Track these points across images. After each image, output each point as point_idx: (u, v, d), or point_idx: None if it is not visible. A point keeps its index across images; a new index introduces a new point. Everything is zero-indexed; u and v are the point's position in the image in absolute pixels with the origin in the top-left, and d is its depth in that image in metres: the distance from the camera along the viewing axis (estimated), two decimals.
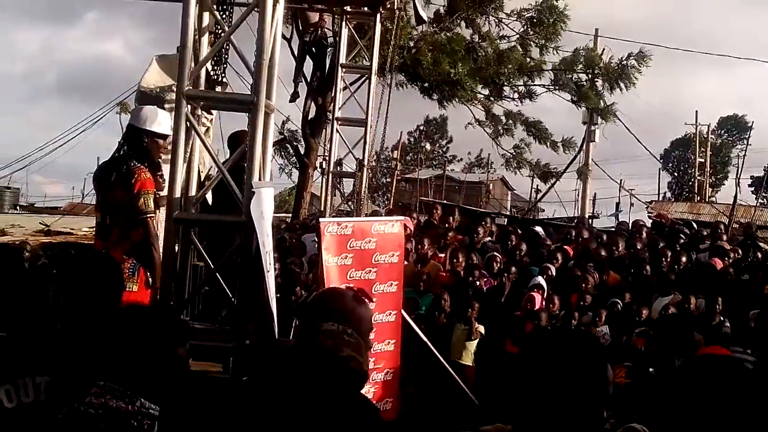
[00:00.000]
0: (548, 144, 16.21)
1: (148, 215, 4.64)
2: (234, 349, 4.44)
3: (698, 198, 33.00)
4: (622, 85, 15.43)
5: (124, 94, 18.83)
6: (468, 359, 7.59)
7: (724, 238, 9.50)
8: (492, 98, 15.74)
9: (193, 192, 4.65)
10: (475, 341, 7.58)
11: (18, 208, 26.07)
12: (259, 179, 4.32)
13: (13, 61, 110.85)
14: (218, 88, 5.14)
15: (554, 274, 8.23)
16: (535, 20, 14.96)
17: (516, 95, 15.74)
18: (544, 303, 7.73)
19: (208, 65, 4.77)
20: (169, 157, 4.63)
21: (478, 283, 7.99)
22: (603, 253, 8.71)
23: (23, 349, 2.96)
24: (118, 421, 1.58)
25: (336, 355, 2.20)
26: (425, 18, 11.30)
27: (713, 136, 42.32)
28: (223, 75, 4.94)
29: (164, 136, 4.83)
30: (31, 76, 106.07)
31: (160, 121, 4.84)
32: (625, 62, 15.38)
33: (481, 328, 7.57)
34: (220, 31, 4.72)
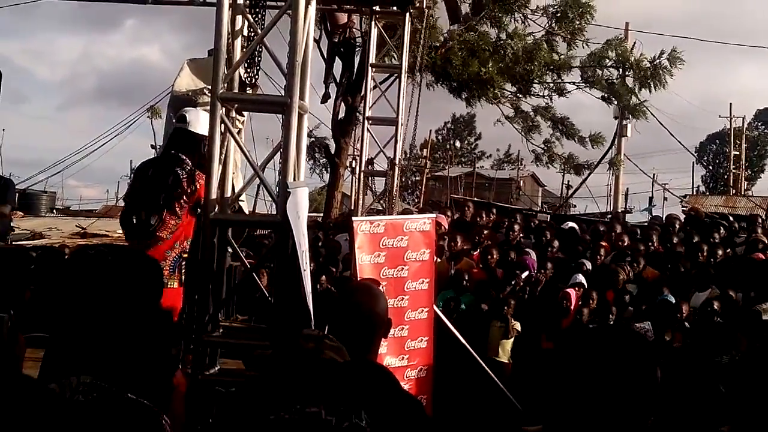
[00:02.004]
0: (576, 139, 16.05)
1: None
2: (270, 348, 4.48)
3: (734, 191, 32.42)
4: (653, 86, 15.11)
5: (156, 98, 19.12)
6: (505, 357, 7.56)
7: (759, 231, 9.32)
8: (520, 95, 15.61)
9: (228, 193, 4.72)
10: (512, 339, 7.54)
11: (54, 211, 26.56)
12: (294, 179, 4.37)
13: (53, 68, 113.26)
14: (248, 90, 5.20)
15: (590, 269, 8.16)
16: (559, 15, 14.80)
17: (546, 92, 15.60)
18: (580, 300, 7.66)
19: (241, 68, 4.83)
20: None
21: (515, 280, 7.95)
22: (641, 247, 8.59)
23: (67, 348, 3.03)
24: (105, 416, 1.62)
25: (318, 358, 2.22)
26: (460, 14, 11.26)
27: (748, 130, 41.54)
28: (256, 77, 5.00)
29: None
30: (70, 82, 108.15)
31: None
32: (657, 61, 15.07)
33: (518, 326, 7.53)
34: (252, 34, 4.77)
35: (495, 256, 8.50)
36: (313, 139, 17.21)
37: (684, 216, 11.16)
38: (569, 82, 15.47)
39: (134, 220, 5.07)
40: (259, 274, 5.43)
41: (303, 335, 2.35)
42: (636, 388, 1.81)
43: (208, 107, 5.15)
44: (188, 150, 5.00)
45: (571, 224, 10.36)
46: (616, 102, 15.93)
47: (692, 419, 6.10)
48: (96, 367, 2.89)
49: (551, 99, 15.65)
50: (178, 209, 4.92)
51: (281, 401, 1.66)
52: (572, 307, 7.54)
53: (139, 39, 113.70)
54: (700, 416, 6.13)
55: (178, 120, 5.07)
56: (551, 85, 15.47)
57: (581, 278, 7.86)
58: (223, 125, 4.54)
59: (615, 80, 15.35)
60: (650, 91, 15.26)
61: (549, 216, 12.91)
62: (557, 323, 7.48)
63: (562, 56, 14.96)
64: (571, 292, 7.63)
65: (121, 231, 5.79)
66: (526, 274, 8.05)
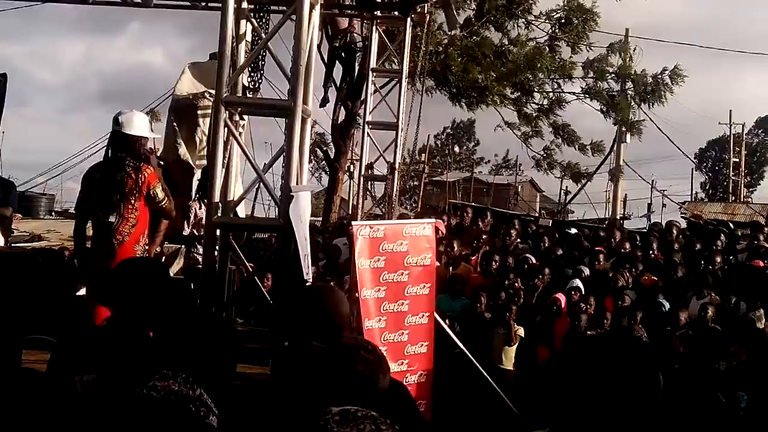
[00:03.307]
0: (576, 147, 16.08)
1: (163, 203, 5.11)
2: (272, 351, 4.49)
3: (733, 198, 32.49)
4: (652, 102, 15.19)
5: (156, 101, 19.15)
6: (509, 364, 7.53)
7: (762, 238, 9.34)
8: (523, 100, 15.61)
9: (231, 196, 4.73)
10: (515, 346, 7.51)
11: (53, 213, 26.53)
12: (296, 183, 4.38)
13: (56, 71, 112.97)
14: (249, 94, 5.22)
15: (588, 275, 8.16)
16: (563, 21, 14.83)
17: (545, 101, 15.62)
18: (575, 304, 7.67)
19: (244, 72, 4.85)
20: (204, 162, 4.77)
21: (516, 285, 7.95)
22: (638, 254, 8.61)
23: (72, 350, 3.06)
24: (178, 404, 1.64)
25: (353, 369, 2.22)
26: (458, 22, 11.33)
27: (748, 137, 41.66)
28: (259, 81, 5.02)
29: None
30: (73, 85, 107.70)
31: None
32: (659, 77, 15.12)
33: (521, 332, 7.51)
34: (256, 39, 4.79)
35: (498, 262, 8.53)
36: (312, 140, 17.22)
37: (686, 223, 11.18)
38: (569, 92, 15.52)
39: (94, 224, 5.19)
40: (260, 278, 5.44)
41: (341, 345, 2.33)
42: (638, 392, 1.83)
43: (208, 110, 5.18)
44: (127, 150, 5.13)
45: (573, 230, 10.40)
46: (614, 115, 15.95)
47: (691, 425, 6.11)
48: (101, 366, 2.91)
49: (551, 108, 15.68)
50: (133, 201, 5.04)
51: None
52: (563, 311, 7.55)
53: (143, 42, 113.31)
54: (699, 423, 6.15)
55: (113, 123, 5.21)
56: (551, 94, 15.50)
57: (578, 283, 7.87)
58: (226, 129, 4.55)
59: (615, 93, 15.39)
60: (650, 107, 15.37)
61: (551, 221, 12.93)
62: (550, 329, 7.48)
63: (563, 61, 14.97)
64: (561, 296, 7.64)
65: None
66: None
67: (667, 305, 7.47)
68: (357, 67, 12.99)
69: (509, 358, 7.51)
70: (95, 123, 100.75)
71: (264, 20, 4.85)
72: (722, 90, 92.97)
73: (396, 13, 9.51)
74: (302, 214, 4.33)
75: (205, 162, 7.52)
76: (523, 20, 14.73)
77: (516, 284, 7.95)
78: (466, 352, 7.13)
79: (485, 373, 7.11)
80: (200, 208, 7.49)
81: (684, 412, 6.24)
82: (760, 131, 51.26)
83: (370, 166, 10.78)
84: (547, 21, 14.87)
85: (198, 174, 8.33)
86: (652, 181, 30.92)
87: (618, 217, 22.00)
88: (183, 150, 8.31)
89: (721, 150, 46.30)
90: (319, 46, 13.67)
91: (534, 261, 8.61)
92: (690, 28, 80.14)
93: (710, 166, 50.30)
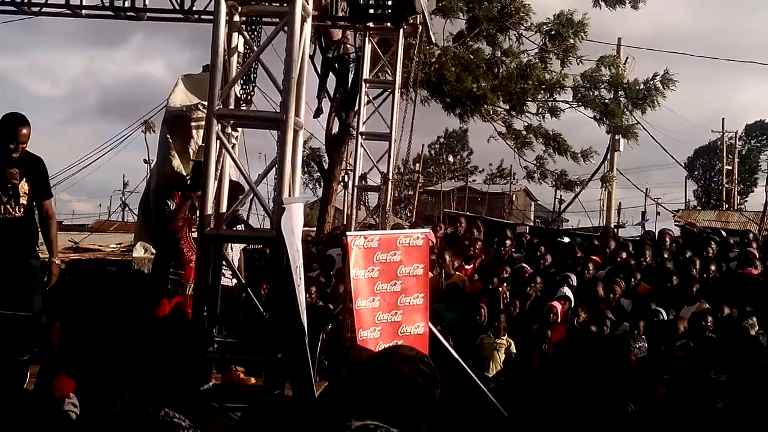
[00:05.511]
0: (568, 155, 16.12)
1: None
2: (265, 363, 4.48)
3: (726, 206, 32.59)
4: (644, 108, 15.27)
5: (150, 113, 19.19)
6: (496, 371, 7.56)
7: (754, 246, 9.38)
8: (513, 113, 15.67)
9: (223, 209, 4.73)
10: (504, 354, 7.54)
11: None
12: (289, 195, 4.39)
13: (55, 83, 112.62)
14: (243, 106, 5.23)
15: (575, 283, 8.20)
16: (553, 33, 14.93)
17: (539, 110, 15.68)
18: (566, 313, 7.70)
19: (237, 84, 4.86)
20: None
21: (506, 291, 7.98)
22: (632, 262, 8.65)
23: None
24: (141, 430, 1.64)
25: (414, 381, 2.18)
26: (434, 41, 11.47)
27: (740, 143, 41.84)
28: (252, 93, 5.03)
29: None
30: (73, 97, 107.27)
31: None
32: (650, 83, 15.21)
33: (513, 347, 7.55)
34: (248, 51, 4.80)
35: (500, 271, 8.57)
36: (308, 152, 17.25)
37: (679, 231, 11.23)
38: (562, 101, 15.57)
39: None
40: (255, 289, 5.44)
41: (400, 355, 2.29)
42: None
43: (201, 122, 5.19)
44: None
45: (566, 239, 10.44)
46: (608, 122, 16.01)
47: None
48: (90, 385, 2.92)
49: (544, 118, 15.75)
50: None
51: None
52: (559, 320, 7.58)
53: (144, 55, 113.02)
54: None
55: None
56: (544, 104, 15.55)
57: (566, 291, 7.90)
58: (218, 141, 4.56)
59: (608, 100, 15.44)
60: (643, 112, 15.44)
61: (527, 229, 12.99)
62: (545, 336, 7.50)
63: (556, 75, 15.05)
64: (557, 304, 7.68)
65: (113, 245, 5.85)
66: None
67: (665, 314, 7.50)
68: (350, 78, 13.04)
69: (497, 365, 7.55)
70: (94, 134, 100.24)
71: (256, 33, 4.87)
72: (716, 99, 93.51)
73: (388, 24, 9.54)
74: (295, 225, 4.34)
75: None
76: (515, 33, 14.82)
77: (506, 292, 8.00)
78: (462, 362, 7.14)
79: (480, 384, 7.12)
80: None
81: (685, 422, 6.25)
82: (749, 138, 51.47)
83: (363, 177, 10.78)
84: (537, 33, 14.97)
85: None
86: (646, 189, 31.02)
87: (612, 226, 22.04)
88: (177, 162, 8.30)
89: (711, 157, 46.48)
90: (312, 57, 13.75)
91: (529, 269, 8.64)
92: (683, 39, 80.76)
93: (700, 174, 50.45)
